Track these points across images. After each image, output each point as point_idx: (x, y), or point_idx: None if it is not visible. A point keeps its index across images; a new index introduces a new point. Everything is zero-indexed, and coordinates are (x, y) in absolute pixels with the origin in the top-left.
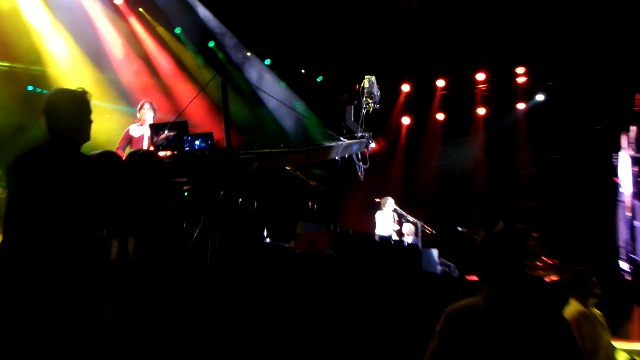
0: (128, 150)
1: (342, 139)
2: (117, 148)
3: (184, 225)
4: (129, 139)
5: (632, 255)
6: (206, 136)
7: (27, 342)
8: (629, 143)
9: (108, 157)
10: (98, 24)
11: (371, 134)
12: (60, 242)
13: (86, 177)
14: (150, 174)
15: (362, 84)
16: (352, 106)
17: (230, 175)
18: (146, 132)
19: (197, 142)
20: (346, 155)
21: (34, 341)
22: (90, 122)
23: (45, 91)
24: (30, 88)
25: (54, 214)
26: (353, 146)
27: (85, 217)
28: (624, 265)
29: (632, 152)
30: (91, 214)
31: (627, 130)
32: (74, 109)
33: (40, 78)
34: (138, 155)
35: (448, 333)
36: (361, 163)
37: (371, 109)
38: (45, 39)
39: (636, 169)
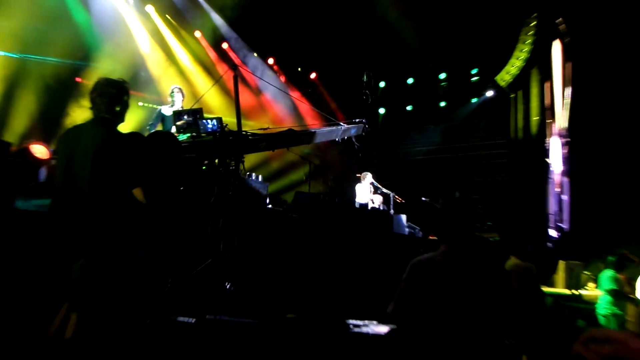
0: (160, 128)
1: (341, 123)
2: (150, 125)
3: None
4: (161, 118)
5: (560, 224)
6: (217, 120)
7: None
8: (559, 129)
9: (137, 136)
10: (132, 27)
11: (365, 120)
12: (93, 195)
13: (118, 148)
14: (167, 150)
15: (363, 78)
16: None
17: (240, 153)
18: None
19: (210, 125)
20: (345, 137)
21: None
22: (127, 106)
23: (88, 82)
24: (77, 79)
25: (90, 175)
26: (352, 129)
27: (115, 178)
28: (552, 232)
29: (562, 137)
30: (119, 176)
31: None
32: (114, 95)
33: (84, 70)
34: (159, 135)
35: (412, 279)
36: (358, 144)
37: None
38: (89, 38)
39: (565, 150)
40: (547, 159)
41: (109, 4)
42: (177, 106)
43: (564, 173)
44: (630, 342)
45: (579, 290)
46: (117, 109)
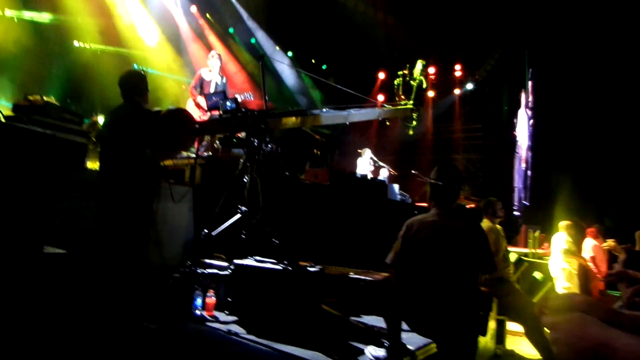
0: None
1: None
2: (192, 87)
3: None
4: (201, 80)
5: (525, 202)
6: (232, 100)
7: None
8: (526, 101)
9: (152, 112)
10: (179, 23)
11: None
12: (125, 160)
13: (142, 122)
14: (181, 124)
15: (415, 66)
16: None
17: (263, 128)
18: (214, 77)
19: (228, 104)
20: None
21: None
22: (147, 90)
23: (146, 68)
24: (135, 67)
25: (123, 144)
26: (389, 112)
27: (140, 145)
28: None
29: (528, 111)
30: (143, 142)
31: (526, 89)
32: (137, 82)
33: (140, 59)
34: (175, 111)
35: (407, 236)
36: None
37: (415, 85)
38: (143, 31)
39: (531, 123)
40: (514, 132)
41: (162, 5)
42: (215, 71)
43: (529, 148)
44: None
45: (537, 249)
46: (140, 92)
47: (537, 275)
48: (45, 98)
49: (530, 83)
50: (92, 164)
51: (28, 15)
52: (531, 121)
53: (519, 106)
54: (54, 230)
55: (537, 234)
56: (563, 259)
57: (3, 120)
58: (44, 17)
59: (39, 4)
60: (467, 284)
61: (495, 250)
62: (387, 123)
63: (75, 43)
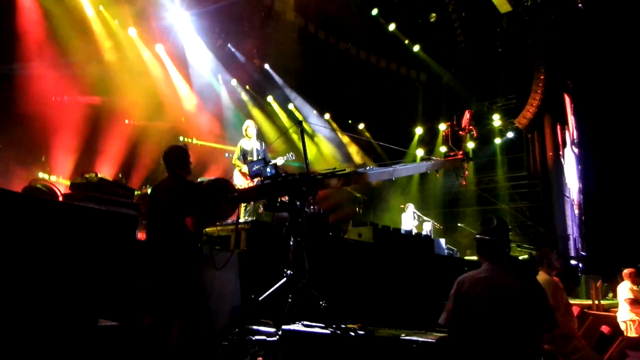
0: (236, 161)
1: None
2: (235, 158)
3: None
4: (242, 151)
5: (583, 253)
6: (272, 166)
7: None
8: (572, 139)
9: (194, 184)
10: (223, 97)
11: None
12: (170, 230)
13: (184, 193)
14: (221, 193)
15: (463, 115)
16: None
17: (305, 191)
18: (254, 145)
19: (268, 170)
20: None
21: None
22: (189, 162)
23: (189, 140)
24: (180, 139)
25: (168, 215)
26: (438, 164)
27: (182, 215)
28: (573, 253)
29: (575, 148)
30: (185, 213)
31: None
32: (179, 156)
33: (184, 131)
34: (215, 181)
35: (459, 294)
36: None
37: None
38: (187, 105)
39: (580, 166)
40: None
41: (206, 81)
42: (253, 138)
43: (580, 191)
44: None
45: (601, 301)
46: (183, 166)
47: (605, 329)
48: (99, 175)
49: (572, 119)
50: (143, 235)
51: (82, 99)
52: (579, 166)
53: (564, 145)
54: (107, 303)
55: (598, 284)
56: (629, 309)
57: (61, 199)
58: (96, 99)
59: (92, 89)
60: (528, 343)
61: (555, 304)
62: (437, 175)
63: (126, 121)
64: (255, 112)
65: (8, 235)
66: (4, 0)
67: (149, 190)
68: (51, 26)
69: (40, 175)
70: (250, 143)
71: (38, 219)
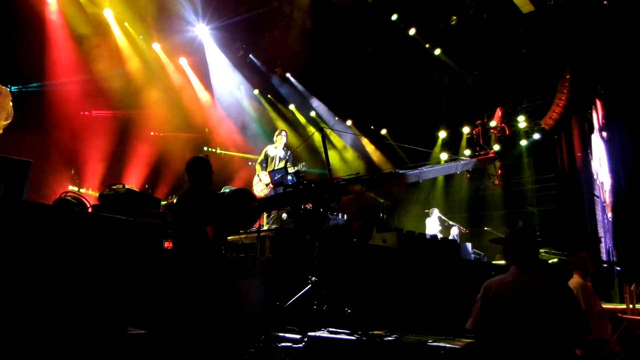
0: (258, 168)
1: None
2: (258, 162)
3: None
4: (266, 156)
5: (615, 259)
6: (293, 174)
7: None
8: (600, 124)
9: (216, 194)
10: (245, 107)
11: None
12: (193, 239)
13: (206, 203)
14: (242, 203)
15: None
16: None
17: (328, 197)
18: (278, 153)
19: (290, 178)
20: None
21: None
22: (211, 172)
23: (213, 149)
24: (205, 149)
25: (190, 224)
26: (470, 164)
27: (204, 224)
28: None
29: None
30: (207, 222)
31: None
32: (201, 167)
33: (208, 141)
34: (236, 191)
35: (486, 299)
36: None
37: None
38: (210, 115)
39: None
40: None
41: (228, 91)
42: (280, 147)
43: (612, 190)
44: None
45: (636, 305)
46: (205, 176)
47: None
48: (126, 186)
49: (599, 103)
50: (170, 244)
51: (109, 113)
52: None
53: (592, 131)
54: (135, 311)
55: (632, 287)
56: None
57: (90, 210)
58: (122, 113)
59: (118, 102)
60: (557, 348)
61: (588, 309)
62: (468, 175)
63: (151, 133)
64: (278, 121)
65: (42, 247)
66: (35, 23)
67: (175, 200)
68: (79, 44)
69: (70, 187)
70: (276, 151)
71: (69, 230)
